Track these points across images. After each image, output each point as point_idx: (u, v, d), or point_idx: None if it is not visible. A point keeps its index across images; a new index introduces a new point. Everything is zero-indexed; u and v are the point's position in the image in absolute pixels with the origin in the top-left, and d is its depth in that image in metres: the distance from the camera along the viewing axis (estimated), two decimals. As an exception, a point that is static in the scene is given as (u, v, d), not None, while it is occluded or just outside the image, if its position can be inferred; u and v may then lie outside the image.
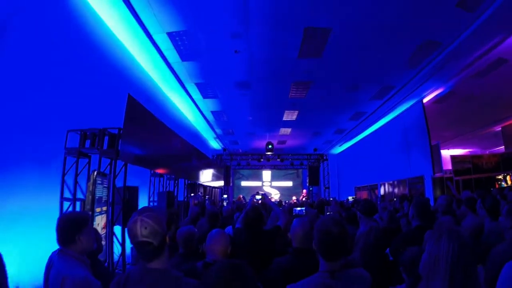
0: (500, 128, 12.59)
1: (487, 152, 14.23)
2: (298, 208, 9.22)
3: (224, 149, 17.91)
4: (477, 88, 9.02)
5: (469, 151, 15.62)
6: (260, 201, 5.80)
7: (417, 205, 3.17)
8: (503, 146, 12.42)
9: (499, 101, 9.87)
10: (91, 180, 4.31)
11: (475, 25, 6.04)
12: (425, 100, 9.99)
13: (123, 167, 5.03)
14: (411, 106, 10.77)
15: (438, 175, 9.74)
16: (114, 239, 4.75)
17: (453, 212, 4.46)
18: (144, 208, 1.80)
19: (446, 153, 12.22)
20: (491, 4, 5.45)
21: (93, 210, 4.16)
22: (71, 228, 2.12)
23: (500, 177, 10.04)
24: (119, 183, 4.95)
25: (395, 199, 9.65)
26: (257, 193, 5.86)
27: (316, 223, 1.96)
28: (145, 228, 1.59)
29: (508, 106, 10.25)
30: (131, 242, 1.64)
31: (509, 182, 9.77)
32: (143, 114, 5.71)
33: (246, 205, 5.12)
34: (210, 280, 1.70)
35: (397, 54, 7.36)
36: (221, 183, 16.42)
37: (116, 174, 4.88)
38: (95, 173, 4.36)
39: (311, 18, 5.99)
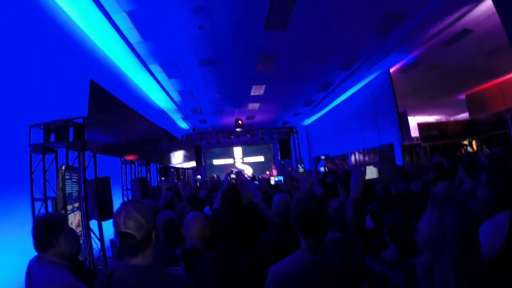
0: (464, 96, 13.15)
1: (452, 119, 14.86)
2: (276, 179, 9.27)
3: (193, 129, 17.57)
4: (442, 58, 9.28)
5: (436, 118, 16.22)
6: (235, 180, 5.74)
7: (397, 171, 3.25)
8: (468, 113, 13.03)
9: (463, 70, 10.25)
10: (60, 176, 4.04)
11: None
12: (391, 70, 10.15)
13: (92, 158, 4.77)
14: (378, 76, 10.91)
15: (407, 142, 10.06)
16: (92, 235, 4.55)
17: (420, 178, 4.57)
18: (133, 199, 1.69)
19: (414, 120, 12.63)
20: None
21: (65, 209, 3.93)
22: (47, 232, 1.99)
23: (465, 142, 10.51)
24: (89, 176, 4.69)
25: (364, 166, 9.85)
26: (232, 171, 5.81)
27: (293, 200, 1.92)
28: (129, 218, 1.47)
29: (471, 75, 10.73)
30: (114, 232, 1.53)
31: (474, 147, 10.25)
32: (108, 99, 5.38)
33: (221, 184, 5.07)
34: (201, 273, 1.60)
35: (363, 25, 7.32)
36: (193, 163, 16.20)
37: (86, 166, 4.62)
38: (63, 167, 4.09)
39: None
